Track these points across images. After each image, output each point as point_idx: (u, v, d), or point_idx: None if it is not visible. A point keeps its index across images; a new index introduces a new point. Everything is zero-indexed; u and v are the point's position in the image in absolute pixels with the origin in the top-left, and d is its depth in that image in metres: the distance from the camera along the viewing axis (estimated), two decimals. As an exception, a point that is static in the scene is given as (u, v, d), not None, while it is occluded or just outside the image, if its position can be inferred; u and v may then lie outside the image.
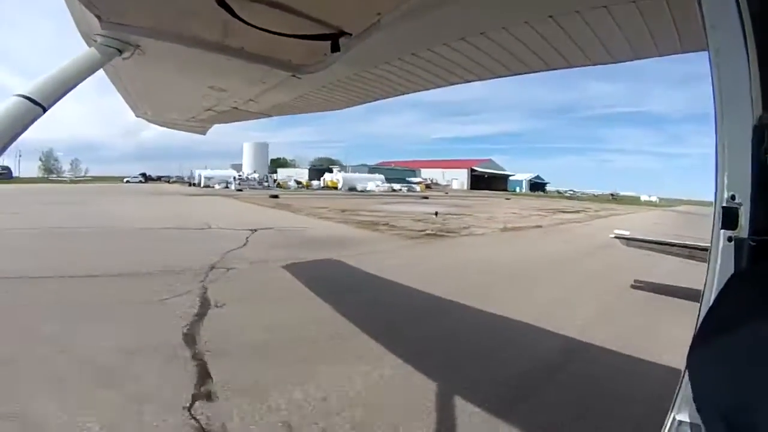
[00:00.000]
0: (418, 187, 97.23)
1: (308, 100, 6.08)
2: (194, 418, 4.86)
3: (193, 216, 27.84)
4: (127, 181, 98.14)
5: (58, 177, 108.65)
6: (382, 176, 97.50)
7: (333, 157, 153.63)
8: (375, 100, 6.18)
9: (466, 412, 5.30)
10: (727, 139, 1.82)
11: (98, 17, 3.08)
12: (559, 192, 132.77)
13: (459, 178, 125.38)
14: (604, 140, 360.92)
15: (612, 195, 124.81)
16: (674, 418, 1.94)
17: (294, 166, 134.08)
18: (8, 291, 9.42)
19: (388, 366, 6.45)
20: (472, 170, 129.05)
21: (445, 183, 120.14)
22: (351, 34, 3.31)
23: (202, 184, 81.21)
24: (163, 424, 4.74)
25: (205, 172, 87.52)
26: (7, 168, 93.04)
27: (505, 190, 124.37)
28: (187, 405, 5.10)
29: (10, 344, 6.44)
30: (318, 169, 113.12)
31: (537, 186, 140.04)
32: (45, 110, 2.60)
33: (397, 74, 4.87)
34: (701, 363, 1.78)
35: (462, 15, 3.34)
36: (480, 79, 4.84)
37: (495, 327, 8.73)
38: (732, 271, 1.83)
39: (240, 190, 70.72)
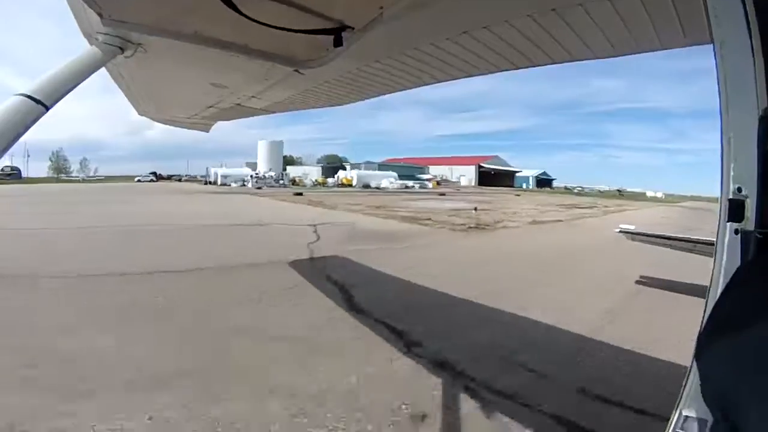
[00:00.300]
0: (430, 184, 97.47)
1: (311, 95, 6.08)
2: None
3: (240, 213, 28.47)
4: (139, 180, 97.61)
5: (69, 177, 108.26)
6: (395, 173, 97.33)
7: (339, 154, 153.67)
8: (378, 96, 6.17)
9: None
10: (733, 131, 1.81)
11: (99, 15, 3.07)
12: (567, 188, 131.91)
13: (467, 175, 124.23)
14: (608, 136, 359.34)
15: (619, 191, 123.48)
16: (681, 413, 1.92)
17: (301, 164, 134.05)
18: (193, 284, 10.50)
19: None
20: (480, 167, 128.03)
21: (454, 180, 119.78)
22: (353, 28, 3.30)
23: (219, 183, 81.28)
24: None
25: (221, 171, 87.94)
26: (17, 168, 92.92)
27: (512, 186, 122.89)
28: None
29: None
30: (331, 167, 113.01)
31: (543, 182, 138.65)
32: (47, 109, 2.61)
33: (400, 69, 4.85)
34: (709, 357, 1.77)
35: (464, 8, 3.32)
36: (483, 74, 4.82)
37: (580, 278, 12.33)
38: (738, 263, 1.82)
39: (259, 188, 70.76)
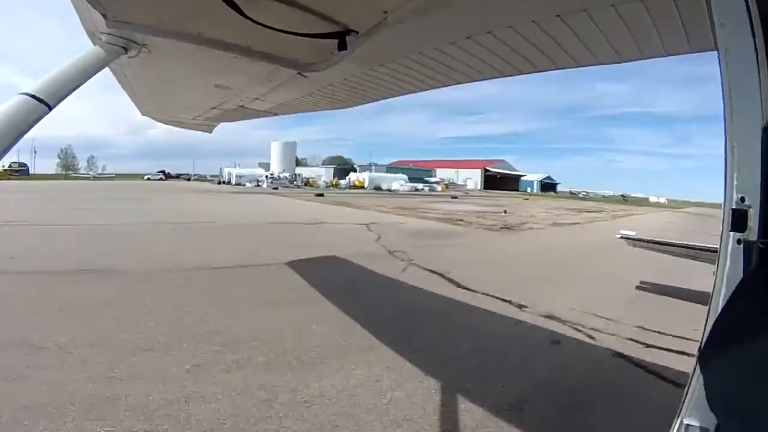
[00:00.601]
0: (438, 187, 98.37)
1: (315, 98, 6.07)
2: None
3: (281, 212, 30.77)
4: (148, 178, 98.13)
5: (77, 174, 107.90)
6: (405, 176, 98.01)
7: (344, 156, 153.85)
8: (382, 99, 6.16)
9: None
10: (737, 141, 1.80)
11: (104, 15, 3.07)
12: (572, 193, 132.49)
13: (473, 178, 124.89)
14: (612, 140, 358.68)
15: (623, 196, 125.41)
16: (682, 422, 1.92)
17: (306, 165, 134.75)
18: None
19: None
20: (486, 170, 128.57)
21: (460, 183, 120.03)
22: (358, 33, 3.30)
23: (233, 182, 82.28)
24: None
25: (236, 171, 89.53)
26: (25, 165, 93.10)
27: (517, 190, 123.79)
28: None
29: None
30: (343, 169, 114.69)
31: (547, 186, 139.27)
32: (50, 108, 2.60)
33: (404, 73, 4.85)
34: (712, 367, 1.76)
35: (468, 13, 3.32)
36: (487, 78, 4.81)
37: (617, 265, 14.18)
38: (741, 273, 1.81)
39: (276, 188, 72.47)
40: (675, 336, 7.15)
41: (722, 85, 1.84)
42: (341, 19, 3.17)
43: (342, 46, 3.30)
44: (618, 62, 3.98)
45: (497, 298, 9.46)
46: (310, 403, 4.71)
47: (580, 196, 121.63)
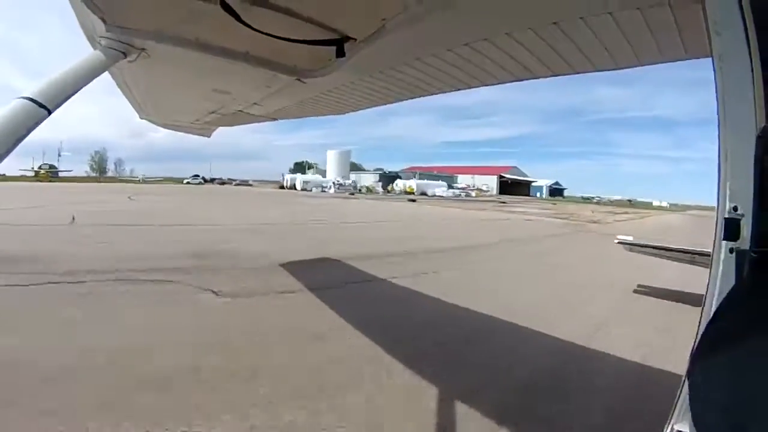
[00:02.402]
0: (473, 193, 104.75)
1: (313, 104, 6.08)
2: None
3: (450, 213, 39.01)
4: (188, 182, 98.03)
5: (120, 177, 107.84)
6: (445, 183, 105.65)
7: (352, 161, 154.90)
8: (380, 105, 6.16)
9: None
10: (730, 149, 1.80)
11: (103, 20, 3.08)
12: (583, 198, 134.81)
13: (488, 184, 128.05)
14: (612, 144, 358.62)
15: (629, 201, 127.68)
16: (673, 428, 1.92)
17: (317, 170, 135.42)
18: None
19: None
20: (501, 177, 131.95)
21: (485, 188, 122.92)
22: (356, 40, 3.31)
23: (299, 188, 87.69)
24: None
25: (302, 177, 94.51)
26: (55, 167, 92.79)
27: (528, 195, 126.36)
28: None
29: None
30: (388, 176, 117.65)
31: (556, 191, 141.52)
32: (50, 112, 2.60)
33: (402, 79, 4.85)
34: (703, 373, 1.77)
35: (466, 21, 3.32)
36: (484, 85, 4.81)
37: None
38: (733, 281, 1.81)
39: (352, 194, 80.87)
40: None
41: (716, 92, 1.85)
42: (339, 27, 3.18)
43: (340, 53, 3.31)
44: (615, 69, 3.98)
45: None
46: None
47: (594, 201, 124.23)
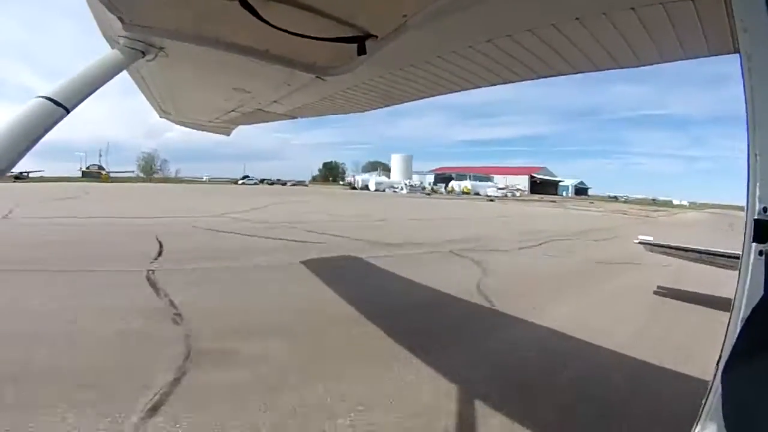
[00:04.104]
0: (518, 193, 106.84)
1: (333, 102, 6.04)
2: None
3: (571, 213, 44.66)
4: (243, 183, 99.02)
5: (180, 178, 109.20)
6: (495, 184, 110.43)
7: (377, 161, 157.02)
8: (400, 103, 6.11)
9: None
10: (759, 149, 1.74)
11: (120, 19, 3.08)
12: (610, 197, 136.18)
13: (521, 184, 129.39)
14: (630, 143, 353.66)
15: (653, 200, 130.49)
16: (700, 430, 1.88)
17: (344, 171, 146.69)
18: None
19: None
20: (531, 177, 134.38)
21: (522, 188, 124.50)
22: (377, 36, 3.26)
23: (372, 188, 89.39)
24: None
25: (375, 178, 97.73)
26: (103, 167, 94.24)
27: (556, 194, 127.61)
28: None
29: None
30: (442, 177, 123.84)
31: (581, 191, 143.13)
32: (68, 111, 2.60)
33: (423, 77, 4.79)
34: (733, 377, 1.73)
35: (487, 17, 3.26)
36: (505, 82, 4.74)
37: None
38: (762, 284, 1.76)
39: (429, 194, 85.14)
40: None
41: (744, 91, 1.78)
42: (360, 23, 3.14)
43: (361, 50, 3.26)
44: (637, 66, 3.90)
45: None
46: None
47: (622, 200, 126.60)
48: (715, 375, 1.83)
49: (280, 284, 9.12)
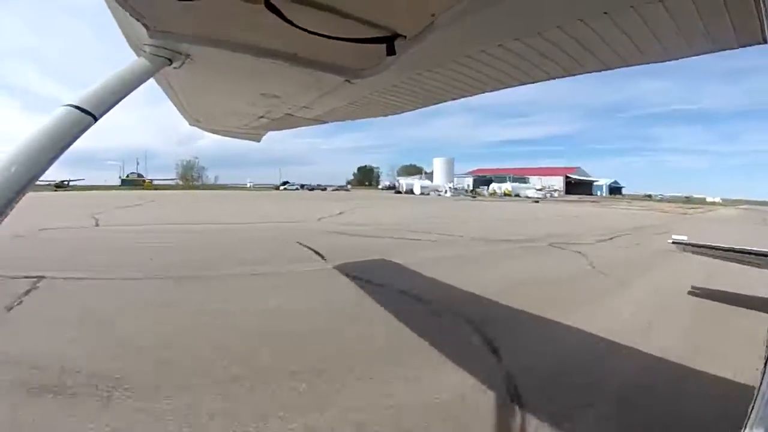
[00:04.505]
0: (556, 194, 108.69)
1: (363, 105, 5.98)
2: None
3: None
4: (284, 188, 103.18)
5: (218, 184, 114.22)
6: (534, 185, 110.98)
7: (412, 164, 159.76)
8: (429, 105, 6.03)
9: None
10: None
11: (145, 26, 3.08)
12: (646, 195, 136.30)
13: (556, 184, 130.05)
14: (658, 139, 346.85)
15: (687, 197, 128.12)
16: None
17: (379, 175, 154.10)
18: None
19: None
20: (567, 177, 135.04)
21: (559, 189, 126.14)
22: (405, 37, 3.21)
23: (417, 192, 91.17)
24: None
25: (419, 182, 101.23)
26: (142, 175, 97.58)
27: (590, 194, 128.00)
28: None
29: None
30: (481, 180, 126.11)
31: (614, 190, 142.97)
32: (96, 119, 2.59)
33: (452, 77, 4.71)
34: None
35: (516, 14, 3.19)
36: (535, 82, 4.65)
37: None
38: None
39: (474, 197, 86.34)
40: None
41: None
42: (388, 24, 3.09)
43: (390, 51, 3.21)
44: (666, 59, 3.80)
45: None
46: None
47: (657, 198, 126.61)
48: (763, 374, 1.74)
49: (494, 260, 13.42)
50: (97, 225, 18.67)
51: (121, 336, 5.78)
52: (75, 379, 4.48)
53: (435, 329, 6.53)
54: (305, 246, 13.73)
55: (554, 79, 4.52)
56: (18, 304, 6.95)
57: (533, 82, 4.66)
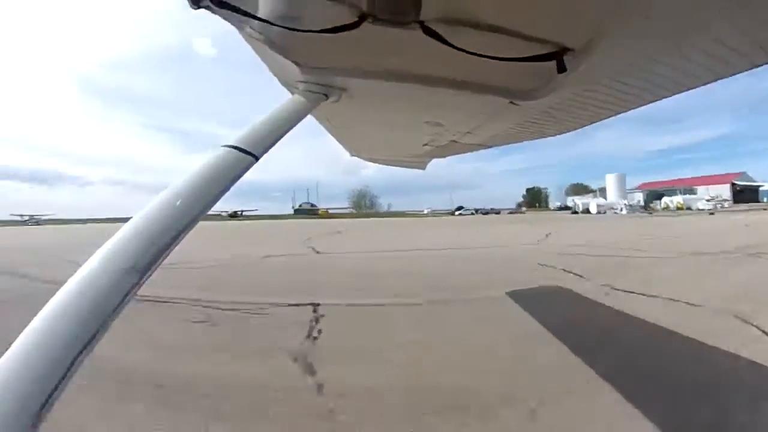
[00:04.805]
0: (726, 203, 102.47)
1: (527, 127, 5.69)
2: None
3: None
4: (459, 213, 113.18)
5: (390, 211, 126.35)
6: (704, 197, 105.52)
7: (583, 183, 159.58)
8: (597, 121, 5.59)
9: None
10: None
11: (297, 64, 3.10)
12: None
13: (723, 193, 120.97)
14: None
15: None
16: None
17: (547, 195, 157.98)
18: None
19: None
20: (733, 184, 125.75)
21: (727, 198, 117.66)
22: (573, 50, 2.91)
23: (593, 211, 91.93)
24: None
25: (595, 201, 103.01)
26: (315, 205, 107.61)
27: (757, 201, 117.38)
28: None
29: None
30: (654, 194, 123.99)
31: None
32: (257, 159, 2.62)
33: (619, 89, 4.27)
34: None
35: (679, 17, 2.76)
36: (704, 84, 4.09)
37: None
38: None
39: (650, 213, 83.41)
40: None
41: None
42: (555, 38, 2.80)
43: (561, 68, 2.92)
44: None
45: None
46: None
47: None
48: None
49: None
50: (317, 252, 19.55)
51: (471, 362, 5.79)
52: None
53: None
54: (547, 266, 13.47)
55: (723, 78, 3.95)
56: (318, 333, 6.99)
57: (704, 84, 4.11)
